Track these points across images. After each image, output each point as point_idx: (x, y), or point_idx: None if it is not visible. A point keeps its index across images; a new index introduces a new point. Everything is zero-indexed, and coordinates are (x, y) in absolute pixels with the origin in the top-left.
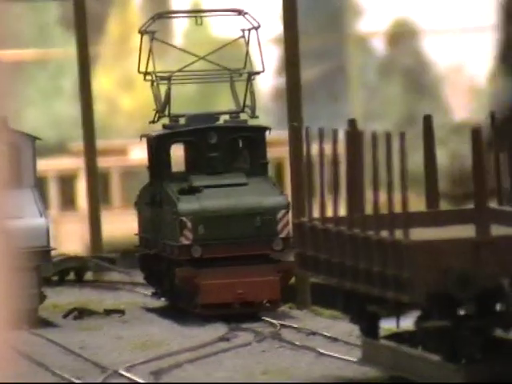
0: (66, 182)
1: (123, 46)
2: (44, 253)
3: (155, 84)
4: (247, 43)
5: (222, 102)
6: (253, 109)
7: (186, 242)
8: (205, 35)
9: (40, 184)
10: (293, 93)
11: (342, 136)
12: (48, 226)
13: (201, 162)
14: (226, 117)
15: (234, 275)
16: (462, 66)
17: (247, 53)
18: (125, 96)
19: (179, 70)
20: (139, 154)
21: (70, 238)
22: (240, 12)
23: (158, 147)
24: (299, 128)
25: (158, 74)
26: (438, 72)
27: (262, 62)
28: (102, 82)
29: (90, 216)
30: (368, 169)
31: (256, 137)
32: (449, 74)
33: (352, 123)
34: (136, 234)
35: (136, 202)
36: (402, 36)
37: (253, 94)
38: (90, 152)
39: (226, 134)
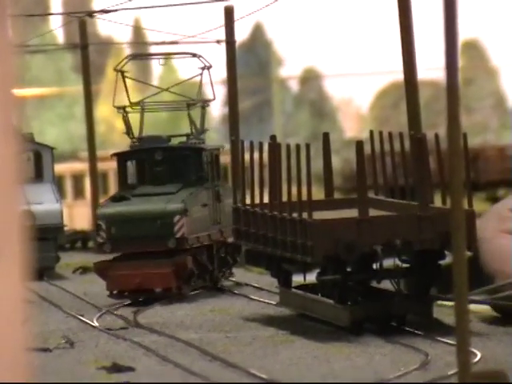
0: (77, 179)
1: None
2: (59, 228)
3: (125, 113)
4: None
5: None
6: (200, 132)
7: (101, 241)
8: (174, 77)
9: (58, 181)
10: (233, 118)
11: (266, 147)
12: (62, 209)
13: (149, 174)
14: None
15: (136, 268)
16: (351, 99)
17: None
18: (118, 120)
19: (140, 101)
20: None
21: (80, 218)
22: (195, 55)
23: (117, 163)
24: (237, 141)
25: (130, 104)
26: (334, 103)
27: (214, 94)
28: (102, 110)
29: (93, 203)
30: (284, 170)
31: (194, 155)
32: (342, 105)
33: (273, 138)
34: None
35: None
36: (310, 79)
37: (200, 120)
38: (93, 159)
39: (169, 153)
